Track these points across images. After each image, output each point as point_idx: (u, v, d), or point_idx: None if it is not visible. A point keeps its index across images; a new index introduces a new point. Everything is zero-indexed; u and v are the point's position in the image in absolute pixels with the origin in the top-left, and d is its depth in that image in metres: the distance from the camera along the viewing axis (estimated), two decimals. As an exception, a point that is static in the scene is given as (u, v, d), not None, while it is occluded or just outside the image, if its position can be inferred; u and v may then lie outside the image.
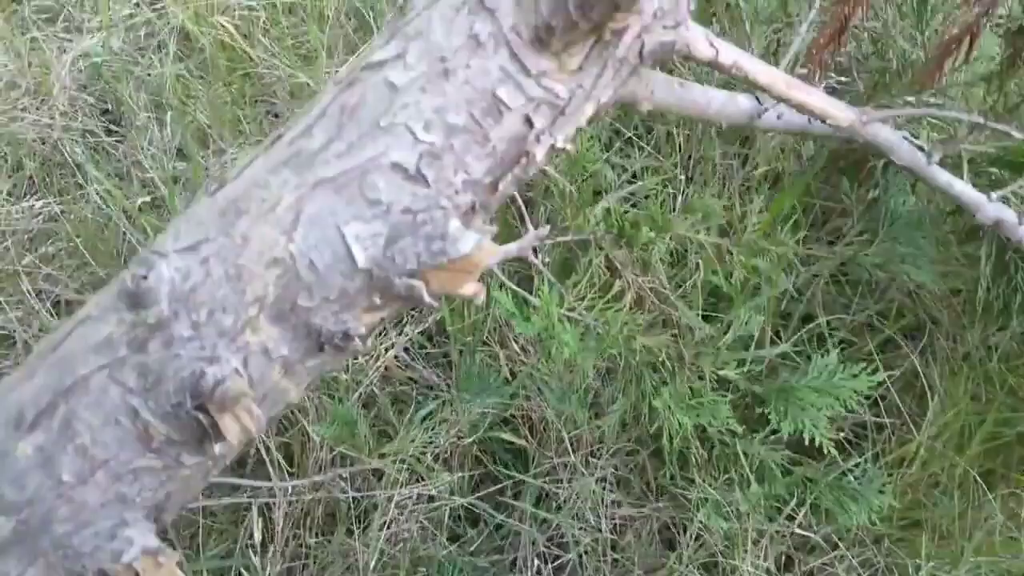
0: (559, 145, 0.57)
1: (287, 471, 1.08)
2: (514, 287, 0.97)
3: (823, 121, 0.65)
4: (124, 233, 1.33)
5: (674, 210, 0.98)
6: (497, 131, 0.53)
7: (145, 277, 0.52)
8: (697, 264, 1.03)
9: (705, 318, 1.10)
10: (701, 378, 0.93)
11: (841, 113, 0.65)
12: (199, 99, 1.51)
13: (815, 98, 0.63)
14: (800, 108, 0.64)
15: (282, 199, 0.52)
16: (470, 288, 0.54)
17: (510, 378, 1.16)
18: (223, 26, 1.56)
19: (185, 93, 1.53)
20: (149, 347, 0.52)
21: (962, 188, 0.74)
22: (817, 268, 1.15)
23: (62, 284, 1.29)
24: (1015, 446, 1.15)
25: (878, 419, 1.17)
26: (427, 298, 0.54)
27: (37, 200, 1.37)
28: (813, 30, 0.73)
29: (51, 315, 1.26)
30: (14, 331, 1.22)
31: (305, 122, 0.53)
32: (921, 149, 0.71)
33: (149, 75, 1.59)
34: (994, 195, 0.75)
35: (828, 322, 1.17)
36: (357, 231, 0.52)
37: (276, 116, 1.49)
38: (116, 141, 1.53)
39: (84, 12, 1.68)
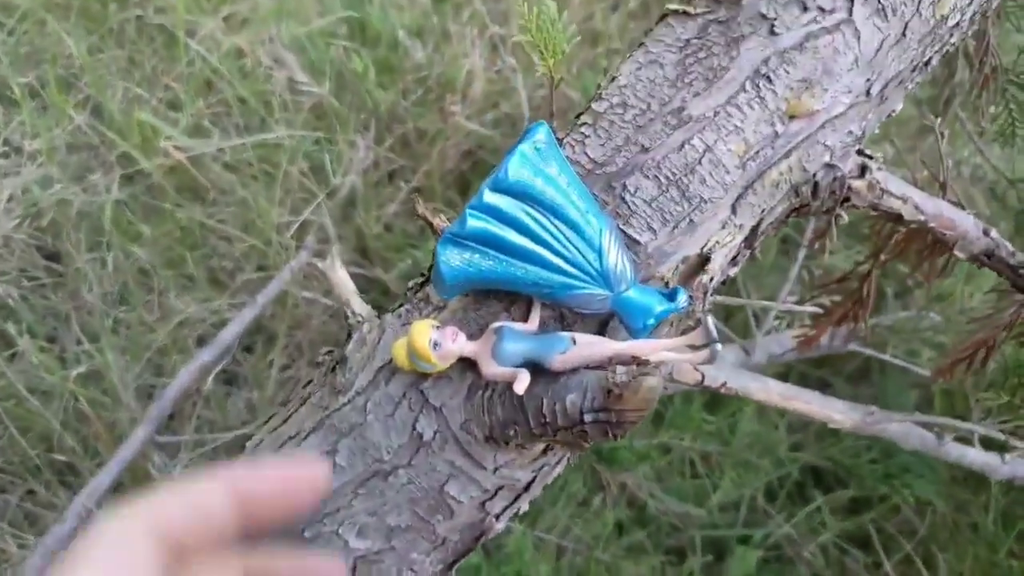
0: (525, 509, 0.48)
1: None
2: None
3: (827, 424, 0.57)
4: (61, 403, 1.22)
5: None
6: (448, 524, 0.44)
7: None
8: (682, 463, 0.94)
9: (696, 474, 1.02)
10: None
11: (844, 416, 0.57)
12: (143, 235, 1.41)
13: (815, 406, 0.55)
14: (801, 416, 0.56)
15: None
16: None
17: None
18: (171, 151, 1.46)
19: (128, 228, 1.43)
20: None
21: (975, 457, 0.67)
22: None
23: (-11, 466, 1.17)
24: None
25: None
26: None
27: (-38, 367, 1.25)
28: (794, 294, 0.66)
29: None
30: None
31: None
32: (930, 429, 0.63)
33: (93, 202, 1.49)
34: (1008, 457, 0.68)
35: (818, 477, 1.09)
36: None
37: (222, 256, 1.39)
38: (56, 282, 1.42)
39: (24, 136, 1.57)
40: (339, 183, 1.30)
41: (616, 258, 0.38)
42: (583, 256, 0.37)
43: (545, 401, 0.38)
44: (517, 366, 0.39)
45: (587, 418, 0.37)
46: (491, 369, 0.39)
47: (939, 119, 0.72)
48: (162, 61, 1.63)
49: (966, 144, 0.99)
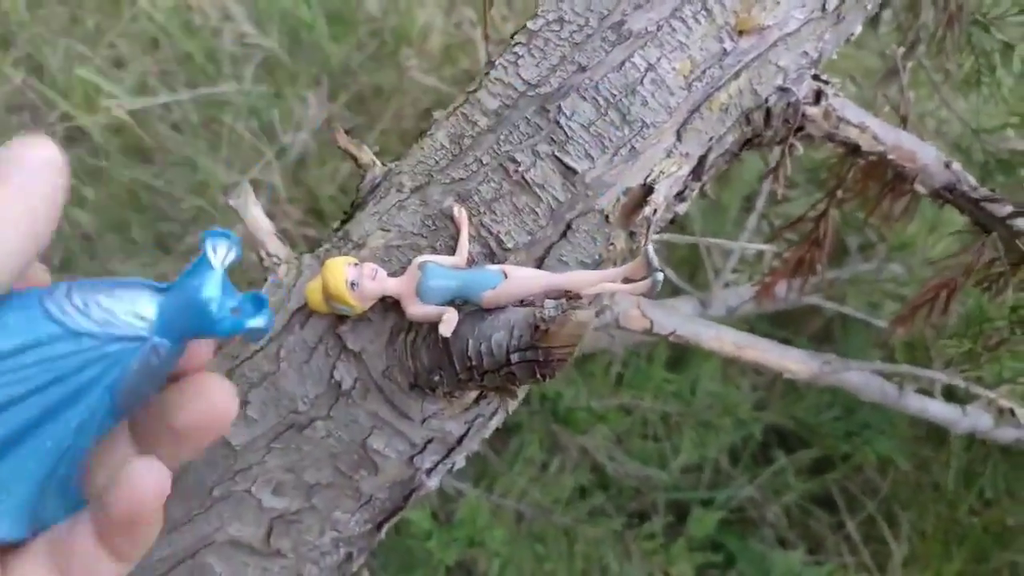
0: (460, 465, 0.45)
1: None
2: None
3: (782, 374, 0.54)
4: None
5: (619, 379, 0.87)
6: (373, 481, 0.41)
7: None
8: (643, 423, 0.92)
9: (656, 437, 1.00)
10: None
11: (801, 366, 0.54)
12: (86, 199, 1.35)
13: (771, 354, 0.53)
14: (756, 366, 0.53)
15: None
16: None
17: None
18: (114, 110, 1.39)
19: (70, 191, 1.37)
20: None
21: (936, 410, 0.65)
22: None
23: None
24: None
25: (840, 558, 1.08)
26: None
27: None
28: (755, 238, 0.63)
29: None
30: None
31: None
32: (890, 379, 0.61)
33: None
34: (968, 409, 0.66)
35: (783, 438, 1.08)
36: (190, 626, 0.40)
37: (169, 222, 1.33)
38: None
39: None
40: (289, 141, 1.25)
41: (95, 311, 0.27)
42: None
43: (471, 342, 0.35)
44: (444, 304, 0.36)
45: (514, 358, 0.33)
46: (416, 309, 0.36)
47: (904, 62, 0.69)
48: (106, 18, 1.56)
49: (931, 96, 0.96)
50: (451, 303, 0.36)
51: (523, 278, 0.35)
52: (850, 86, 0.74)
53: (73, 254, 1.31)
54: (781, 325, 1.15)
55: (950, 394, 0.69)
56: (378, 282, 0.36)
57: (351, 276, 0.35)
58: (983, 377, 0.64)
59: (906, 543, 1.06)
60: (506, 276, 0.36)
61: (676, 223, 0.48)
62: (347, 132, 1.24)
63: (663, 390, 0.85)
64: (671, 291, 0.74)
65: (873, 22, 0.95)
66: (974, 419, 0.66)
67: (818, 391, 0.92)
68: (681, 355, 0.97)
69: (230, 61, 1.33)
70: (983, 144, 0.88)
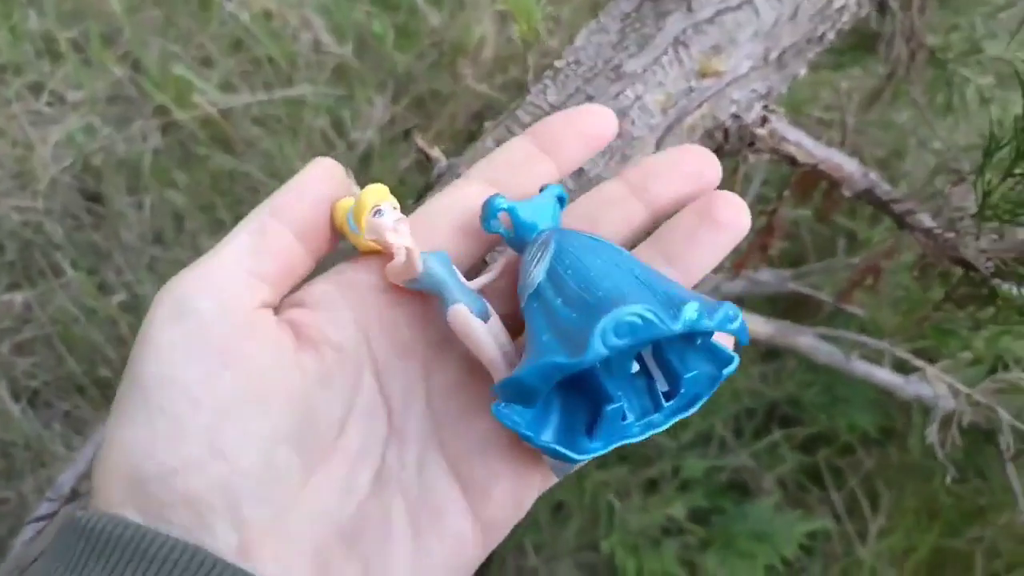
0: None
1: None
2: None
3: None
4: (101, 326, 1.36)
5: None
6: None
7: None
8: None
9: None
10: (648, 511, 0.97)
11: (760, 328, 0.69)
12: (178, 182, 1.55)
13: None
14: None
15: None
16: None
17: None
18: (203, 105, 1.59)
19: (164, 175, 1.57)
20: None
21: (882, 376, 0.78)
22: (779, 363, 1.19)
23: (39, 379, 1.32)
24: (961, 556, 1.19)
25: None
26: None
27: (17, 293, 1.40)
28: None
29: (29, 409, 1.30)
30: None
31: None
32: (837, 344, 0.75)
33: (132, 150, 1.63)
34: (912, 377, 0.80)
35: (784, 420, 1.22)
36: None
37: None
38: (97, 221, 1.57)
39: (68, 87, 1.70)
40: (358, 138, 1.42)
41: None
42: None
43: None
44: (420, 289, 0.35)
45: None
46: (395, 265, 0.34)
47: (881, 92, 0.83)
48: (196, 21, 1.75)
49: (919, 117, 1.09)
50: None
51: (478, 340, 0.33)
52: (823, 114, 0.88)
53: (165, 230, 1.51)
54: (795, 317, 1.29)
55: (902, 366, 0.83)
56: (395, 229, 0.34)
57: (383, 206, 0.34)
58: (928, 351, 0.78)
59: (883, 516, 1.19)
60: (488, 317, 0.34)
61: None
62: (408, 130, 1.43)
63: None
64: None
65: (873, 52, 1.09)
66: (917, 387, 0.80)
67: (803, 369, 1.06)
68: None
69: (307, 65, 1.51)
70: (965, 156, 1.01)
